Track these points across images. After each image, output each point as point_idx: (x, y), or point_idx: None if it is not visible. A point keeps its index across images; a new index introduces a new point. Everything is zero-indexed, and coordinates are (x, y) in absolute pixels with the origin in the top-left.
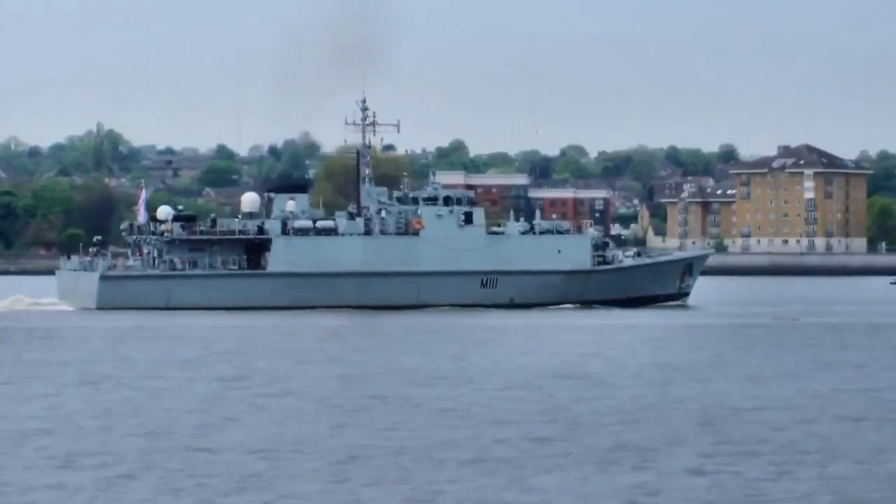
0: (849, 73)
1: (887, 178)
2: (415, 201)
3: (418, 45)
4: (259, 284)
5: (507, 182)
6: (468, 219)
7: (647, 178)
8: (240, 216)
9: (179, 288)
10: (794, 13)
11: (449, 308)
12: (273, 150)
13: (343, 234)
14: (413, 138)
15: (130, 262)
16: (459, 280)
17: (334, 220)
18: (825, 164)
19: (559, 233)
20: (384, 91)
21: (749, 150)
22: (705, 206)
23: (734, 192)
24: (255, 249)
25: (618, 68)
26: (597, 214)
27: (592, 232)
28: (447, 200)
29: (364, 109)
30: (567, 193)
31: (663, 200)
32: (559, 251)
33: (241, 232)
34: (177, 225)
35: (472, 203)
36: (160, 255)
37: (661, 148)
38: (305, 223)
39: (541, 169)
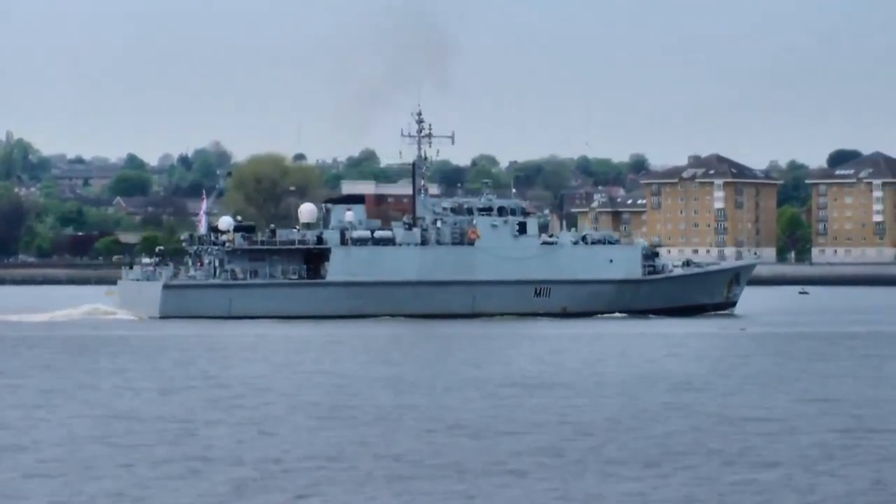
0: (758, 83)
1: (796, 188)
2: (469, 211)
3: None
4: (318, 294)
5: None
6: (522, 229)
7: (558, 187)
8: (297, 227)
9: (240, 297)
10: (704, 22)
11: (504, 317)
12: (184, 160)
13: (400, 245)
14: (324, 147)
15: (191, 272)
16: (514, 289)
17: (391, 230)
18: (735, 174)
19: (610, 243)
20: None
21: (659, 160)
22: (616, 216)
23: (644, 201)
24: (313, 259)
25: (529, 78)
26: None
27: (642, 242)
28: (501, 211)
29: (419, 122)
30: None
31: (574, 210)
32: (611, 261)
33: (300, 242)
34: (238, 235)
35: (525, 213)
36: (221, 264)
37: (572, 158)
38: (363, 233)
39: (452, 178)
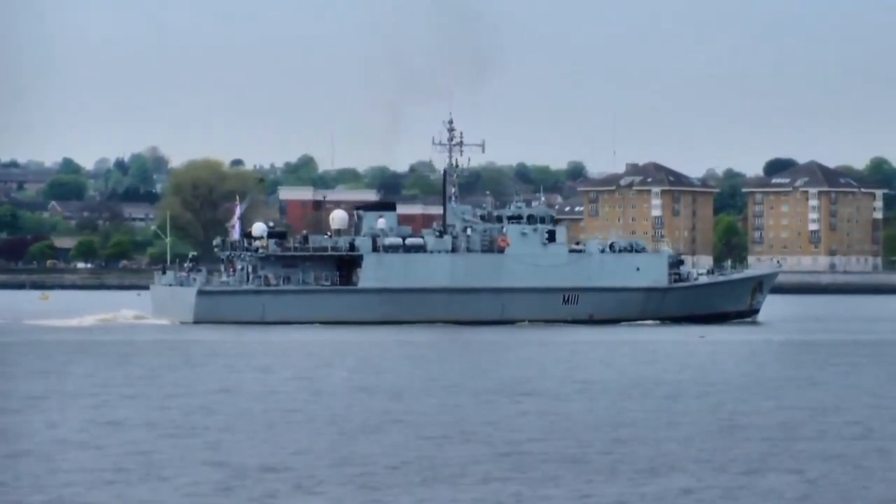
0: (695, 91)
1: (733, 196)
2: (499, 219)
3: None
4: (351, 300)
5: (356, 198)
6: (551, 237)
7: (496, 194)
8: (329, 233)
9: (274, 303)
10: (642, 30)
11: (533, 323)
12: (120, 164)
13: (431, 252)
14: (262, 153)
15: (224, 278)
16: (542, 296)
17: (423, 237)
18: (672, 182)
19: (637, 251)
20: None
21: (597, 167)
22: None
23: (582, 209)
24: (345, 266)
25: (468, 84)
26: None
27: (667, 250)
28: (531, 219)
29: (451, 130)
30: (416, 210)
31: None
32: (637, 269)
33: (332, 249)
34: (272, 241)
35: (554, 221)
36: (254, 270)
37: (510, 165)
38: (395, 240)
39: (390, 185)
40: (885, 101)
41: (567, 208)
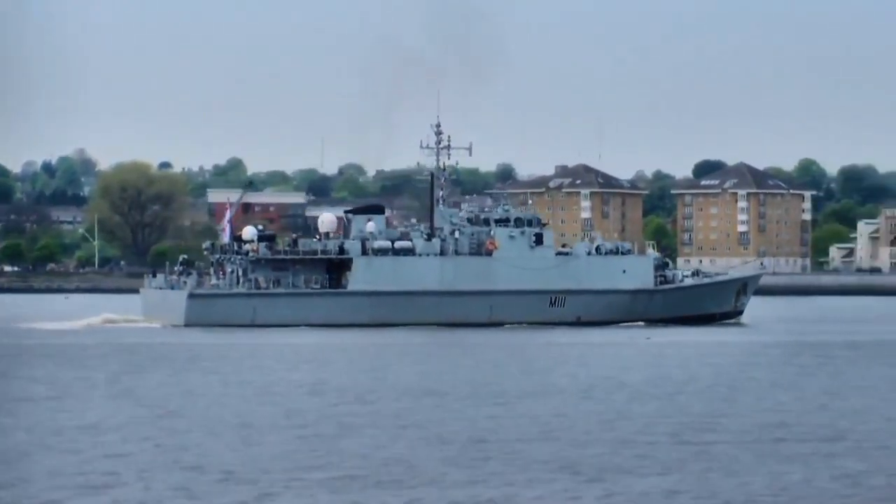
0: (624, 93)
1: (662, 198)
2: (486, 222)
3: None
4: (341, 303)
5: (284, 201)
6: (539, 240)
7: (425, 197)
8: (317, 236)
9: (264, 306)
10: (571, 32)
11: (521, 326)
12: (47, 167)
13: (420, 255)
14: (191, 156)
15: (213, 281)
16: (530, 299)
17: (411, 240)
18: (601, 184)
19: (623, 253)
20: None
21: (526, 169)
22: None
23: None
24: (335, 269)
25: (398, 85)
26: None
27: (653, 252)
28: (518, 222)
29: (438, 133)
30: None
31: None
32: (624, 271)
33: (322, 252)
34: (262, 245)
35: (541, 224)
36: (245, 273)
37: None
38: (384, 244)
39: (319, 188)
40: (813, 102)
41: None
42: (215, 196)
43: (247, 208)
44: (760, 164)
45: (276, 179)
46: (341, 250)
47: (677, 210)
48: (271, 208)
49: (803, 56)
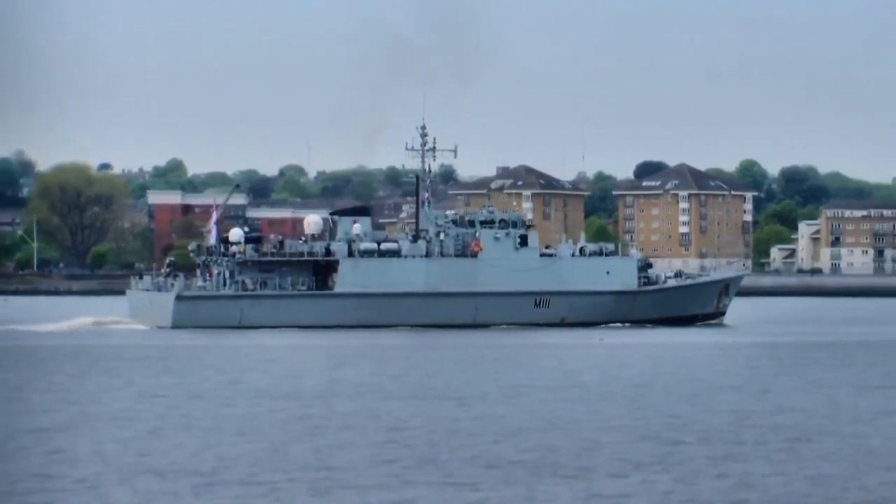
0: (562, 95)
1: (603, 199)
2: (471, 224)
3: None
4: (328, 304)
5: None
6: (523, 241)
7: (366, 198)
8: (302, 238)
9: (251, 308)
10: (512, 32)
11: (505, 327)
12: None
13: (406, 257)
14: (130, 157)
15: (200, 283)
16: (515, 300)
17: (397, 242)
18: (543, 185)
19: (607, 255)
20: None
21: (468, 170)
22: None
23: (453, 212)
24: (322, 270)
25: (338, 88)
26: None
27: (636, 254)
28: (503, 223)
29: (423, 135)
30: (286, 213)
31: (382, 220)
32: (608, 272)
33: (309, 254)
34: (250, 247)
35: (526, 226)
36: (232, 275)
37: (380, 168)
38: (370, 245)
39: (259, 189)
40: (754, 103)
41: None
42: (155, 198)
43: (187, 210)
44: (702, 166)
45: (217, 181)
46: (328, 252)
47: (619, 211)
48: (211, 209)
49: (743, 57)
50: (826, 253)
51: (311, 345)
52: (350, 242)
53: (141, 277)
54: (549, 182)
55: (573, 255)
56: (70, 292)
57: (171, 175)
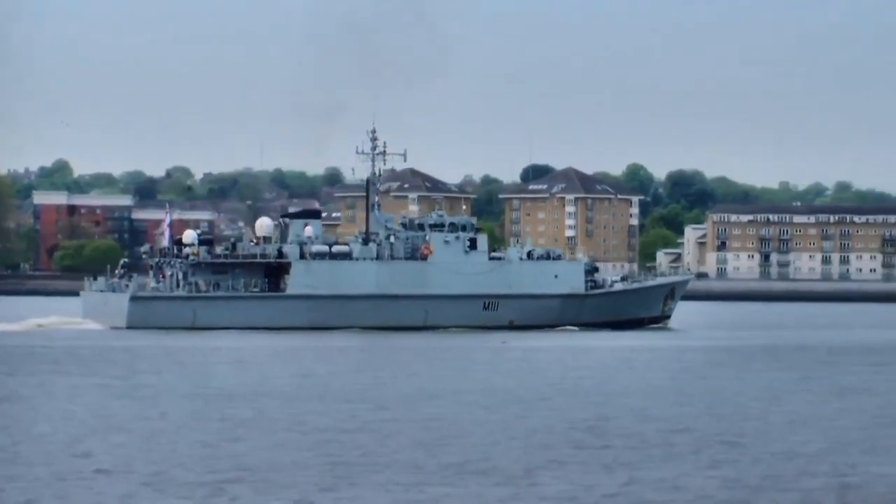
0: (452, 98)
1: (490, 202)
2: (421, 227)
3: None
4: (280, 306)
5: (110, 203)
6: (473, 245)
7: (253, 199)
8: (252, 241)
9: (204, 309)
10: (398, 33)
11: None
12: None
13: (357, 259)
14: (16, 158)
15: (153, 284)
16: (464, 303)
17: (348, 245)
18: (429, 187)
19: (555, 258)
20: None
21: (354, 173)
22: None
23: (339, 214)
24: (273, 272)
25: (221, 90)
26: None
27: (584, 258)
28: (452, 227)
29: (374, 139)
30: (172, 215)
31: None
32: (556, 276)
33: (261, 256)
34: (203, 249)
35: (475, 229)
36: (185, 277)
37: (266, 170)
38: (322, 248)
39: (146, 190)
40: (640, 107)
41: (324, 213)
42: (40, 198)
43: (72, 210)
44: (588, 169)
45: (103, 182)
46: (280, 254)
47: (505, 214)
48: (97, 210)
49: (629, 60)
50: (712, 257)
51: (238, 346)
52: (302, 245)
53: (95, 278)
54: (436, 185)
55: (521, 258)
56: None
57: (56, 176)
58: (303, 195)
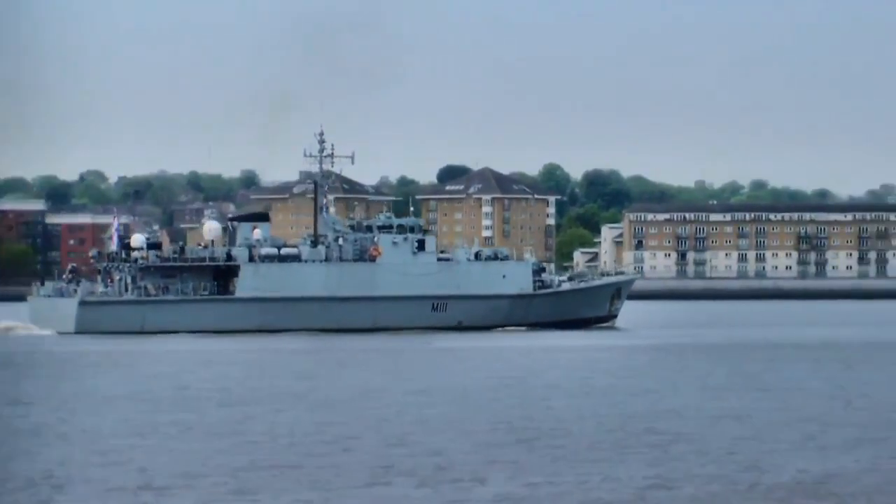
0: (366, 97)
1: (407, 203)
2: (369, 229)
3: None
4: (229, 309)
5: (23, 208)
6: (421, 246)
7: (168, 203)
8: (200, 244)
9: (154, 313)
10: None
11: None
12: None
13: (305, 261)
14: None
15: (102, 289)
16: (412, 304)
17: (297, 247)
18: (346, 189)
19: (502, 259)
20: None
21: (272, 176)
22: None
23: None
24: (222, 276)
25: (135, 94)
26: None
27: (531, 258)
28: (401, 228)
29: (321, 142)
30: (86, 219)
31: (184, 226)
32: (504, 276)
33: (210, 259)
34: (152, 252)
35: (423, 231)
36: (133, 281)
37: (181, 173)
38: (271, 251)
39: (59, 194)
40: (556, 107)
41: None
42: None
43: None
44: (505, 170)
45: (15, 186)
46: (229, 257)
47: (422, 215)
48: (10, 215)
49: (545, 59)
50: (629, 256)
51: (183, 350)
52: (251, 248)
53: (43, 283)
54: (353, 186)
55: (469, 259)
56: None
57: None
58: (218, 198)
